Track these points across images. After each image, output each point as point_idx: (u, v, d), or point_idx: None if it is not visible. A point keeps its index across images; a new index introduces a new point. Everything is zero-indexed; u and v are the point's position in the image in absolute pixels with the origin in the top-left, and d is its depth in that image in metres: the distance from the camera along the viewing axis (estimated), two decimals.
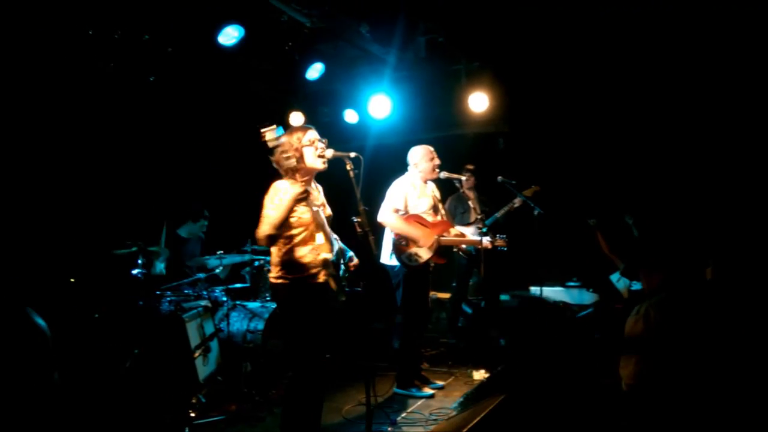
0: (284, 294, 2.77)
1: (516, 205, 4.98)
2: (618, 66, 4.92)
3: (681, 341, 2.15)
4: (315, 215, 2.77)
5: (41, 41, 3.72)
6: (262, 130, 2.63)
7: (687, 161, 4.98)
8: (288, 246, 2.75)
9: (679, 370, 2.10)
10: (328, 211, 2.97)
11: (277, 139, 2.66)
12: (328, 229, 2.87)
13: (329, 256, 2.78)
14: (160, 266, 4.36)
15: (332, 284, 2.82)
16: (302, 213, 2.74)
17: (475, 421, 2.48)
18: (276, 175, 2.92)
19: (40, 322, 1.07)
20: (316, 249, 2.76)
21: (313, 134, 2.88)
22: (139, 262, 3.91)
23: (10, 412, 1.01)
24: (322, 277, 2.77)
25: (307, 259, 2.74)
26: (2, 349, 1.03)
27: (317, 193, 2.96)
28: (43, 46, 3.77)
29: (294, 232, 2.73)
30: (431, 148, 4.03)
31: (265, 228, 2.61)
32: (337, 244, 2.93)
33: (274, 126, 2.65)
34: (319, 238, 2.78)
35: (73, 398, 3.26)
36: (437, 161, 3.99)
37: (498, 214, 5.04)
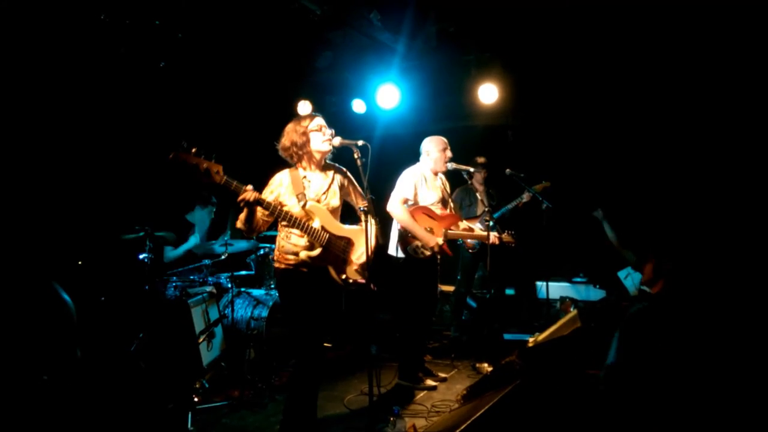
0: (282, 277, 2.82)
1: (525, 200, 4.94)
2: (629, 59, 4.84)
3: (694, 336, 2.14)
4: (309, 210, 2.76)
5: (54, 26, 3.71)
6: None
7: (698, 156, 4.91)
8: (286, 234, 2.81)
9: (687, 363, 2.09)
10: (335, 202, 2.92)
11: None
12: (328, 218, 2.84)
13: (312, 252, 2.77)
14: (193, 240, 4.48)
15: (332, 273, 2.83)
16: (291, 207, 2.76)
17: (477, 415, 2.47)
18: (283, 163, 2.92)
19: (66, 297, 1.08)
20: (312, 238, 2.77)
21: (320, 121, 2.88)
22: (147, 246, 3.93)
23: (35, 382, 1.03)
24: (319, 265, 2.78)
25: (301, 247, 2.77)
26: (31, 321, 1.04)
27: (323, 180, 2.91)
28: (56, 31, 3.76)
29: (286, 222, 2.75)
30: (445, 140, 4.00)
31: (237, 222, 2.71)
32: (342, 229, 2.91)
33: None
34: (316, 223, 2.78)
35: (79, 381, 3.28)
36: (449, 154, 3.96)
37: (506, 209, 5.00)
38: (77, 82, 4.18)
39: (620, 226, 4.59)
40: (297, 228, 2.73)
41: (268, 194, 2.80)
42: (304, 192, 2.79)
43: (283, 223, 2.75)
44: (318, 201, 2.83)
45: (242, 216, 2.66)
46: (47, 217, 3.86)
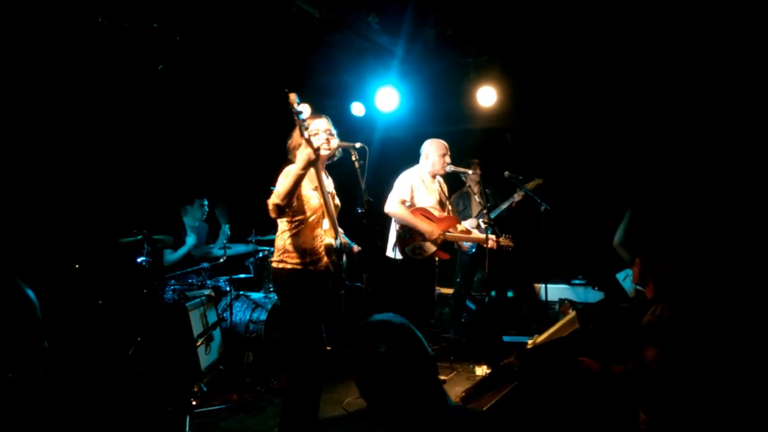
0: (285, 279, 2.77)
1: (517, 199, 4.94)
2: (627, 61, 4.85)
3: (695, 333, 2.15)
4: (326, 200, 2.75)
5: (52, 28, 3.71)
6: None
7: (695, 157, 4.91)
8: (295, 230, 2.77)
9: (697, 357, 2.11)
10: (337, 201, 2.97)
11: (298, 105, 2.60)
12: (335, 216, 2.86)
13: (333, 242, 2.78)
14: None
15: (333, 271, 2.83)
16: (311, 198, 2.74)
17: None
18: (286, 164, 2.92)
19: (29, 291, 1.07)
20: (321, 235, 2.77)
21: (320, 123, 2.87)
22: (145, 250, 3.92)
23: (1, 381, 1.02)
24: (323, 264, 2.78)
25: (310, 245, 2.76)
26: None
27: (329, 180, 2.96)
28: (54, 34, 3.76)
29: (302, 216, 2.74)
30: (446, 144, 4.00)
31: (273, 198, 2.58)
32: (341, 237, 2.93)
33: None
34: (326, 224, 2.78)
35: (74, 384, 3.27)
36: (448, 159, 3.97)
37: (500, 210, 5.01)
38: (75, 84, 4.17)
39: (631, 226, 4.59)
40: (325, 217, 2.73)
41: None
42: (319, 185, 2.78)
43: (306, 214, 2.74)
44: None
45: (291, 183, 2.52)
46: (9, 213, 3.81)
